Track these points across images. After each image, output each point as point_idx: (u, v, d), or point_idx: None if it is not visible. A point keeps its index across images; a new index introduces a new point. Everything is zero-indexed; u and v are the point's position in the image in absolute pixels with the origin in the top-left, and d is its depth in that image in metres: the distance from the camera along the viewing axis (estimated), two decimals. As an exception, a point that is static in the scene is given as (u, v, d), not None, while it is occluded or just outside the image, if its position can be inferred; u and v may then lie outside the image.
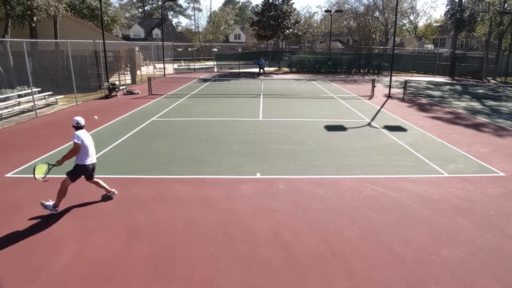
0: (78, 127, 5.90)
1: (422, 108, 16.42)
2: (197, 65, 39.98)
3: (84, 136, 5.86)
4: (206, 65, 41.70)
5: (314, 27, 59.37)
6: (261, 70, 32.78)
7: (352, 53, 40.21)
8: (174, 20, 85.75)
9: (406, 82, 20.07)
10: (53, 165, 5.75)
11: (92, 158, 5.88)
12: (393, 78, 21.97)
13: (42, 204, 5.71)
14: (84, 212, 5.79)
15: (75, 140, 5.66)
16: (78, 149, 5.66)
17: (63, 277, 4.20)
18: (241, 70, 36.48)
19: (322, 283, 4.17)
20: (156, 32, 58.93)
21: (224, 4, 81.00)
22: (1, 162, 8.09)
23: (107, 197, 6.28)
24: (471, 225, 5.53)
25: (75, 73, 16.51)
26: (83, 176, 5.85)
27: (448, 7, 35.51)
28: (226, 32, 67.64)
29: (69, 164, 5.79)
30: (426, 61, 38.86)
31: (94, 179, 6.07)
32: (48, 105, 15.39)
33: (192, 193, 6.59)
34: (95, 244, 4.88)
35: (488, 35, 36.28)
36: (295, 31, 40.74)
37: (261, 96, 18.90)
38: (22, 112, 13.77)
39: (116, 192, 6.36)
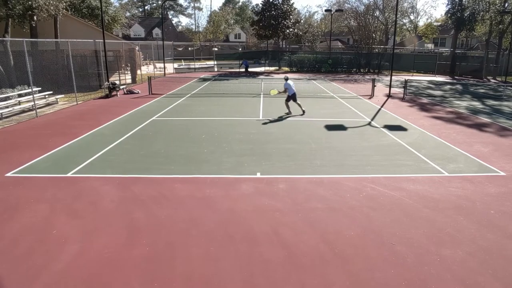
0: (286, 79, 13.52)
1: (422, 107, 16.42)
2: (197, 64, 39.97)
3: (290, 83, 13.29)
4: (206, 64, 41.68)
5: (314, 26, 59.40)
6: (246, 69, 35.06)
7: (352, 53, 40.18)
8: (174, 20, 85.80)
9: (406, 81, 20.06)
10: (280, 92, 13.82)
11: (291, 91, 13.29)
12: (393, 77, 21.96)
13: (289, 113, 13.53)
14: (84, 212, 5.80)
15: (285, 86, 13.32)
16: (286, 90, 13.26)
17: (63, 276, 4.20)
18: (241, 70, 36.47)
19: (322, 282, 4.17)
20: (157, 31, 58.96)
21: (224, 4, 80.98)
22: (2, 161, 8.10)
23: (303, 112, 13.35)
24: (471, 225, 5.52)
25: (75, 73, 16.51)
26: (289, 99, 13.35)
27: (449, 6, 35.50)
28: (226, 31, 67.61)
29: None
30: (426, 60, 38.81)
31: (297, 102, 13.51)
32: (48, 104, 15.40)
33: (192, 192, 6.59)
34: (95, 244, 4.88)
35: (488, 34, 36.24)
36: (295, 30, 40.72)
37: (261, 95, 18.90)
38: (23, 111, 13.78)
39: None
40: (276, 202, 6.23)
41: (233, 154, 8.85)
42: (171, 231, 5.25)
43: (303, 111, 13.63)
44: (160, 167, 7.86)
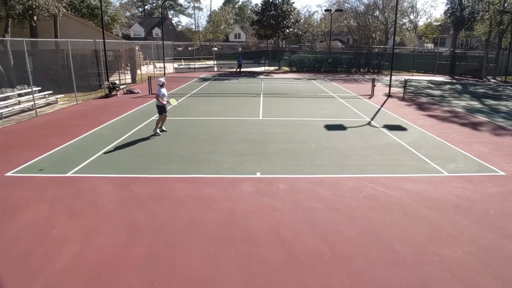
0: (161, 85, 10.80)
1: (422, 107, 16.42)
2: (197, 64, 39.96)
3: (163, 91, 10.62)
4: (206, 64, 41.67)
5: (314, 26, 59.33)
6: (239, 68, 34.55)
7: (352, 52, 40.16)
8: (174, 20, 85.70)
9: (406, 81, 20.07)
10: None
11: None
12: (393, 77, 21.96)
13: (155, 134, 10.45)
14: (84, 212, 5.80)
15: (158, 93, 10.50)
16: (159, 97, 10.41)
17: (63, 276, 4.21)
18: (241, 70, 36.40)
19: (322, 282, 4.17)
20: (156, 31, 58.94)
21: (224, 4, 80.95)
22: (1, 161, 8.10)
23: (155, 134, 10.43)
24: (471, 224, 5.53)
25: (75, 72, 16.50)
26: None
27: (448, 5, 35.51)
28: (226, 31, 67.63)
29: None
30: (426, 60, 38.83)
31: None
32: (48, 104, 15.39)
33: (192, 192, 6.59)
34: (95, 244, 4.88)
35: (488, 34, 36.24)
36: (295, 30, 40.70)
37: (261, 95, 18.90)
38: (22, 111, 13.77)
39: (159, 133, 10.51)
40: (276, 202, 6.23)
41: (233, 154, 8.85)
42: (171, 231, 5.25)
43: (154, 133, 10.56)
44: (160, 167, 7.86)
